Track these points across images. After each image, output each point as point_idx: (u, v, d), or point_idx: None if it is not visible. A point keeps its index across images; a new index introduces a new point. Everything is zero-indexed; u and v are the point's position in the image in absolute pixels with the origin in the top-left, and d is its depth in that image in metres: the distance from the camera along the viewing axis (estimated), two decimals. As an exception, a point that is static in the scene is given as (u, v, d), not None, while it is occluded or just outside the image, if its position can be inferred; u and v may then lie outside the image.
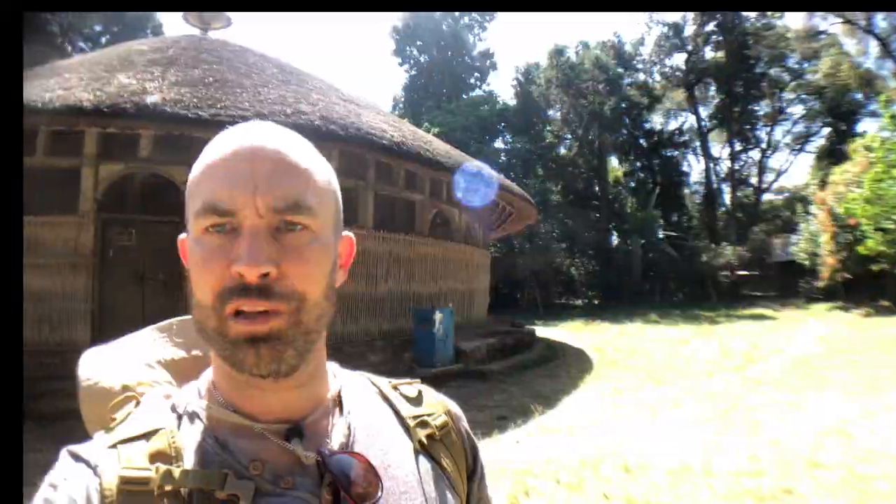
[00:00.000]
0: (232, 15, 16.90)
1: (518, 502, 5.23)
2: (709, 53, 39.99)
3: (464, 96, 44.31)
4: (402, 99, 49.45)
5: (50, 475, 0.74)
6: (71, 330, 10.02)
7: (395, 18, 47.99)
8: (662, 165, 40.61)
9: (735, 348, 15.03)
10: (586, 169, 38.98)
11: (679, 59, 41.02)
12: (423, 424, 0.92)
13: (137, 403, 0.82)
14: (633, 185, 40.74)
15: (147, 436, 0.76)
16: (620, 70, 38.67)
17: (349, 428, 0.85)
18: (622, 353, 15.02)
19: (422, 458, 0.88)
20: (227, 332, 0.72)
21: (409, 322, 12.78)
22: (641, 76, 41.66)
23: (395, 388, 0.97)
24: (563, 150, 40.78)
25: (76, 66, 12.63)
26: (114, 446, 0.74)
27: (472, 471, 0.99)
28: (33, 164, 11.09)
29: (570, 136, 40.10)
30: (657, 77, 41.85)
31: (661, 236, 35.20)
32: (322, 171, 0.82)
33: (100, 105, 10.17)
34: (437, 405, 0.98)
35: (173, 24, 41.17)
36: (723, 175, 41.65)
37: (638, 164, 41.65)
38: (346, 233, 0.87)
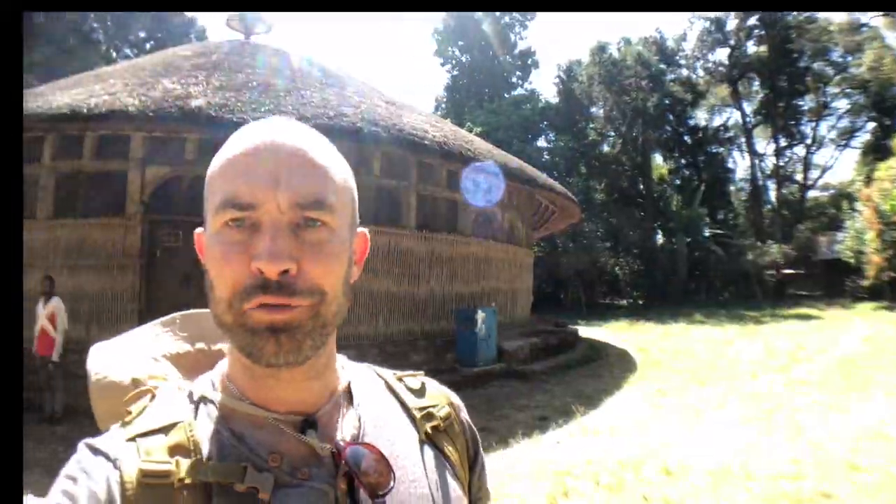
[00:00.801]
0: (274, 20, 17.13)
1: (556, 503, 5.20)
2: (751, 48, 39.20)
3: (505, 95, 44.09)
4: (445, 99, 49.51)
5: (67, 468, 0.74)
6: (119, 329, 9.98)
7: (437, 19, 48.10)
8: (707, 162, 39.91)
9: (780, 348, 14.78)
10: (630, 166, 38.53)
11: (722, 54, 40.36)
12: (429, 416, 0.93)
13: (153, 397, 0.83)
14: (678, 182, 40.13)
15: (165, 429, 0.76)
16: (663, 66, 38.14)
17: (359, 419, 0.86)
18: (666, 354, 14.83)
19: (427, 448, 0.90)
20: (247, 321, 0.73)
21: (451, 322, 12.79)
22: (684, 72, 41.01)
23: (400, 379, 0.99)
24: (606, 148, 40.34)
25: (121, 71, 12.93)
26: (132, 439, 0.75)
27: (474, 460, 1.01)
28: (81, 167, 11.41)
29: (613, 134, 39.65)
30: (700, 72, 41.17)
31: (706, 234, 34.63)
32: (340, 168, 0.83)
33: (145, 110, 10.38)
34: (441, 396, 1.00)
35: (216, 29, 41.79)
36: (768, 172, 40.89)
37: (683, 161, 41.01)
38: (360, 229, 0.89)
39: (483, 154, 13.65)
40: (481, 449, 1.03)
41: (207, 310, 0.93)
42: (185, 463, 0.72)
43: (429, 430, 0.92)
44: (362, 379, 0.95)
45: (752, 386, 10.66)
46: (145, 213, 10.76)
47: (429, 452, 0.89)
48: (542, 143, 40.03)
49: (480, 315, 11.94)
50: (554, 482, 5.61)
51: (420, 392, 0.98)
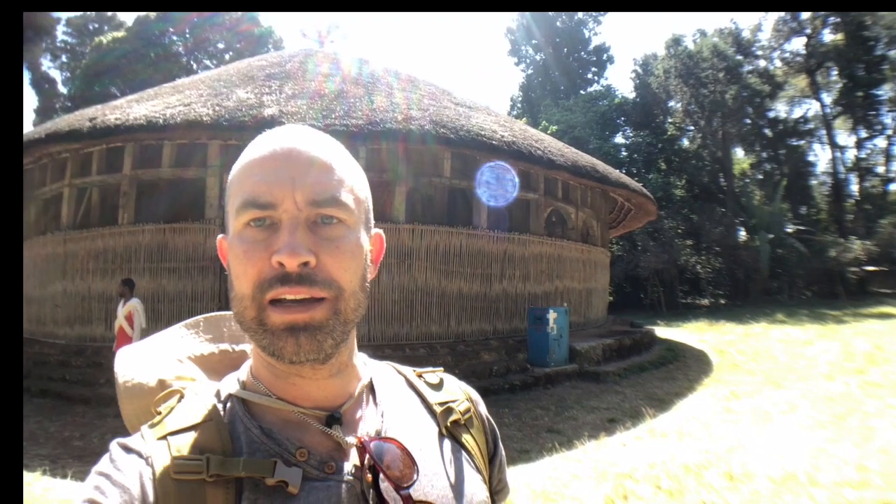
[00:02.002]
0: (349, 27, 17.46)
1: (614, 506, 5.15)
2: (827, 36, 37.53)
3: (581, 92, 43.60)
4: (520, 98, 49.32)
5: (99, 465, 0.76)
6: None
7: (509, 18, 47.91)
8: (788, 156, 38.32)
9: (858, 349, 14.13)
10: (710, 161, 37.44)
11: (798, 44, 38.73)
12: (449, 411, 0.96)
13: (181, 397, 0.85)
14: (759, 177, 38.84)
15: (195, 427, 0.79)
16: (739, 57, 36.84)
17: (382, 414, 0.89)
18: (744, 356, 14.38)
19: (447, 442, 0.92)
20: (266, 321, 0.76)
21: (523, 322, 12.75)
22: (761, 63, 39.45)
23: (420, 375, 1.01)
24: (685, 143, 39.33)
25: (197, 83, 13.39)
26: (163, 438, 0.77)
27: (493, 454, 1.03)
28: (161, 175, 11.85)
29: (692, 128, 38.63)
30: (777, 63, 39.61)
31: (788, 231, 33.39)
32: (353, 171, 0.86)
33: (219, 119, 10.73)
34: (459, 391, 1.03)
35: (292, 38, 42.67)
36: (849, 164, 39.11)
37: (764, 154, 39.52)
38: (376, 230, 0.91)
39: (553, 153, 13.56)
40: (500, 443, 1.05)
41: (229, 312, 0.98)
42: (215, 459, 0.75)
43: (449, 425, 0.94)
44: (383, 375, 0.98)
45: (826, 389, 10.26)
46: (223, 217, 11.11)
47: (449, 446, 0.92)
48: (619, 139, 39.41)
49: (552, 315, 11.85)
50: (615, 485, 5.53)
51: (438, 387, 1.00)
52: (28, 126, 31.01)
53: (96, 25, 43.98)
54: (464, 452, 0.93)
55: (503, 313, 13.03)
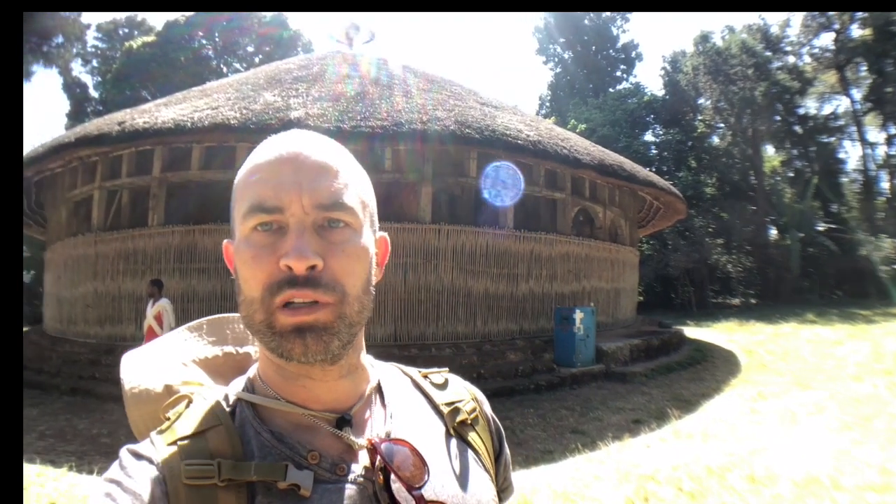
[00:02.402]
0: (377, 29, 17.58)
1: (634, 508, 5.12)
2: (855, 31, 36.78)
3: (610, 90, 43.27)
4: (548, 97, 49.12)
5: (110, 472, 0.77)
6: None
7: (537, 17, 47.72)
8: (819, 153, 37.62)
9: (887, 350, 13.90)
10: (741, 159, 36.94)
11: (827, 39, 38.07)
12: (457, 411, 0.96)
13: (189, 403, 0.85)
14: (790, 174, 38.25)
15: (205, 432, 0.79)
16: (768, 53, 36.34)
17: (391, 416, 0.90)
18: (773, 356, 14.19)
19: (455, 442, 0.93)
20: (275, 323, 0.77)
21: (550, 322, 12.71)
22: (790, 59, 38.84)
23: (425, 376, 1.02)
24: (716, 140, 38.91)
25: (225, 86, 13.54)
26: (173, 443, 0.78)
27: (499, 453, 1.04)
28: (190, 178, 11.98)
29: (722, 126, 38.20)
30: (806, 59, 38.99)
31: (819, 229, 32.86)
32: (358, 175, 0.87)
33: (246, 122, 10.84)
34: (465, 391, 1.03)
35: (321, 41, 42.87)
36: (880, 161, 38.36)
37: (794, 152, 38.87)
38: (381, 233, 0.92)
39: (579, 151, 13.50)
40: (505, 442, 1.06)
41: (233, 314, 1.02)
42: (226, 464, 0.75)
43: (456, 425, 0.94)
44: (390, 376, 0.98)
45: (854, 390, 10.10)
46: (250, 218, 11.23)
47: (457, 446, 0.92)
48: (649, 137, 39.01)
49: (579, 315, 11.80)
50: (636, 486, 5.49)
51: (444, 387, 1.01)
52: (60, 130, 31.55)
53: (126, 30, 44.58)
54: (471, 452, 0.94)
55: (529, 313, 12.99)
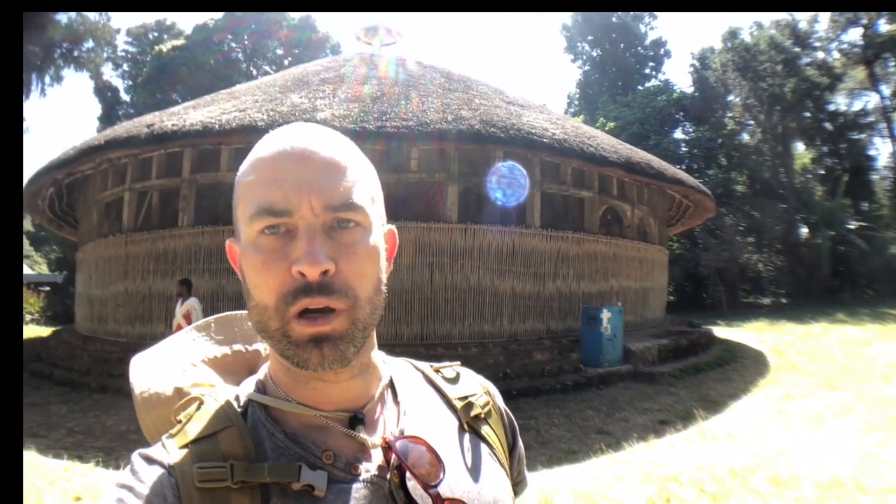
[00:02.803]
0: (403, 29, 17.67)
1: (656, 509, 5.07)
2: (883, 26, 36.02)
3: (639, 87, 42.91)
4: (577, 95, 48.88)
5: (121, 478, 0.76)
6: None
7: (565, 15, 47.45)
8: (849, 150, 36.95)
9: (918, 350, 13.69)
10: (771, 156, 36.41)
11: (855, 35, 37.35)
12: (470, 406, 0.95)
13: (200, 405, 0.84)
14: (820, 172, 37.62)
15: (217, 434, 0.78)
16: (797, 49, 35.77)
17: (404, 412, 0.89)
18: (803, 356, 13.97)
19: (469, 437, 0.92)
20: (291, 333, 0.76)
21: (577, 321, 12.63)
22: (819, 54, 38.21)
23: (437, 370, 1.01)
24: (745, 138, 38.40)
25: (253, 88, 13.68)
26: (185, 446, 0.77)
27: (512, 446, 1.02)
28: (219, 179, 12.11)
29: (751, 123, 37.66)
30: (835, 54, 38.31)
31: (850, 227, 32.25)
32: (366, 169, 0.85)
33: (273, 124, 10.89)
34: (477, 385, 1.02)
35: (349, 42, 43.06)
36: (910, 158, 37.54)
37: (824, 149, 38.16)
38: (389, 226, 0.90)
39: (606, 149, 13.42)
40: (519, 435, 1.04)
41: (240, 312, 1.01)
42: (239, 466, 0.74)
43: (470, 419, 0.93)
44: (402, 372, 0.97)
45: (882, 391, 9.92)
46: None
47: (471, 441, 0.91)
48: (678, 134, 38.66)
49: (606, 314, 11.72)
50: (659, 487, 5.45)
51: (456, 381, 1.00)
52: (92, 133, 32.02)
53: (155, 34, 45.23)
54: (485, 446, 0.92)
55: (557, 312, 12.93)
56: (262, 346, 0.99)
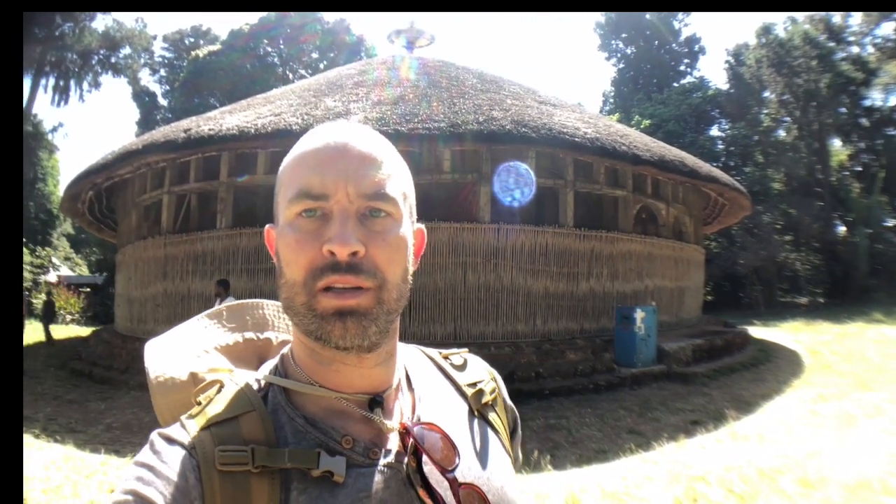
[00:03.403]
0: (436, 31, 17.82)
1: (683, 509, 5.07)
2: None
3: (674, 85, 42.55)
4: (612, 94, 48.58)
5: (141, 456, 0.77)
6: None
7: (598, 13, 47.14)
8: (886, 146, 36.02)
9: (954, 349, 13.39)
10: (807, 153, 35.73)
11: (888, 28, 36.37)
12: (480, 393, 0.98)
13: (220, 388, 0.85)
14: (857, 168, 36.81)
15: (238, 417, 0.80)
16: (832, 44, 35.06)
17: (419, 399, 0.92)
18: (838, 357, 13.73)
19: (478, 423, 0.95)
20: (316, 305, 0.79)
21: (611, 321, 12.56)
22: (854, 49, 37.35)
23: (446, 357, 1.04)
24: (782, 134, 37.75)
25: (288, 93, 13.86)
26: (206, 428, 0.78)
27: (513, 430, 1.06)
28: (256, 181, 12.30)
29: (787, 119, 37.01)
30: (870, 49, 37.49)
31: (888, 225, 31.52)
32: (400, 167, 0.89)
33: (307, 128, 10.95)
34: (484, 371, 1.05)
35: (384, 45, 43.29)
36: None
37: (861, 145, 37.30)
38: (418, 225, 0.94)
39: (639, 147, 13.32)
40: (519, 421, 1.08)
41: (252, 300, 1.07)
42: (260, 450, 0.75)
43: (480, 406, 0.97)
44: (415, 360, 1.00)
45: (917, 391, 9.78)
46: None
47: (480, 427, 0.95)
48: (714, 132, 38.22)
49: (639, 314, 11.64)
50: (686, 487, 5.44)
51: (463, 367, 1.03)
52: (130, 137, 32.58)
53: (192, 39, 45.87)
54: (493, 433, 0.96)
55: (590, 312, 12.87)
56: (273, 335, 1.03)
